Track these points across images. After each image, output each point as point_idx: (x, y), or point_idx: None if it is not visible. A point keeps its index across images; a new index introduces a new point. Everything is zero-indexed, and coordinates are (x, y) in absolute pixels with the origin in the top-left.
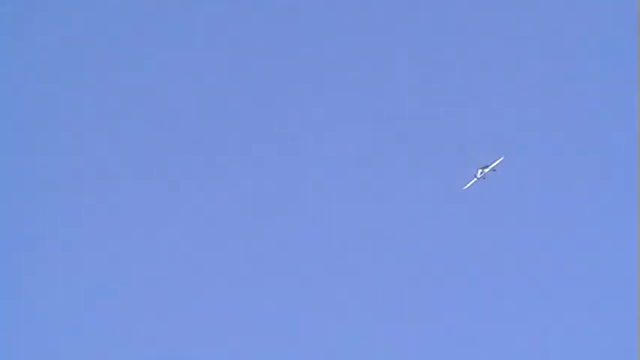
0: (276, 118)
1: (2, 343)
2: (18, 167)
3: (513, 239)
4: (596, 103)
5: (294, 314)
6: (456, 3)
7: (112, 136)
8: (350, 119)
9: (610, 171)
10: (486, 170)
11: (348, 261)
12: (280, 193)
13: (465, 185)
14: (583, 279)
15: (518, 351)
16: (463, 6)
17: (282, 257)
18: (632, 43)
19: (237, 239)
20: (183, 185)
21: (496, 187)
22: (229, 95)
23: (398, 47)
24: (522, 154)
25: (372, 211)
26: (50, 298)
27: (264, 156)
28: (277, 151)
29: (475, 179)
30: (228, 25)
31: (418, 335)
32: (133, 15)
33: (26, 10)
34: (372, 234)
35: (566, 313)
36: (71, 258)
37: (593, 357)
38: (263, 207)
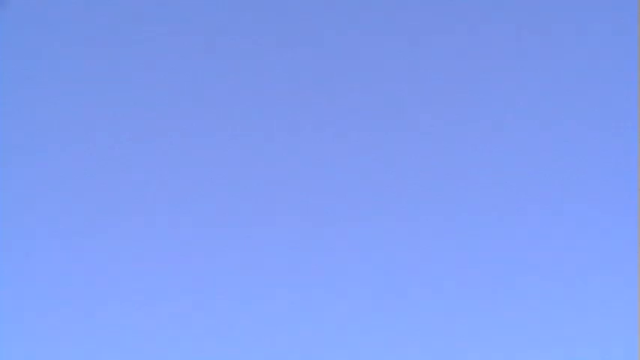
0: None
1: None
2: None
3: (511, 239)
4: (595, 103)
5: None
6: (454, 3)
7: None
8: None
9: (610, 171)
10: None
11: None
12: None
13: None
14: (582, 278)
15: (517, 350)
16: (462, 5)
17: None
18: (632, 43)
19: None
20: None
21: (494, 187)
22: (231, 93)
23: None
24: (521, 152)
25: (374, 211)
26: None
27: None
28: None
29: None
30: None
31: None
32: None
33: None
34: (374, 234)
35: (565, 312)
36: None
37: (593, 356)
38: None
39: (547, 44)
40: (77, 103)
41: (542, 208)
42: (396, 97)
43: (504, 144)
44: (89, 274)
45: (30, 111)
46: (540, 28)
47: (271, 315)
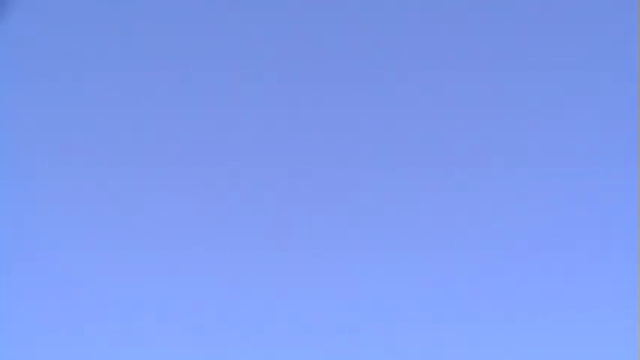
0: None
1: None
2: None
3: (512, 239)
4: (595, 103)
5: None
6: (453, 3)
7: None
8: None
9: (610, 171)
10: None
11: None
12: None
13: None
14: (582, 278)
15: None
16: (462, 6)
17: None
18: (632, 43)
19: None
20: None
21: (494, 188)
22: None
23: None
24: (521, 152)
25: (378, 210)
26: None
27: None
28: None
29: None
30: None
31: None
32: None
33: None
34: (375, 234)
35: (565, 312)
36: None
37: (593, 356)
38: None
39: (547, 44)
40: (77, 103)
41: (542, 208)
42: (394, 97)
43: (504, 144)
44: (89, 274)
45: (30, 111)
46: (540, 28)
47: (269, 314)
